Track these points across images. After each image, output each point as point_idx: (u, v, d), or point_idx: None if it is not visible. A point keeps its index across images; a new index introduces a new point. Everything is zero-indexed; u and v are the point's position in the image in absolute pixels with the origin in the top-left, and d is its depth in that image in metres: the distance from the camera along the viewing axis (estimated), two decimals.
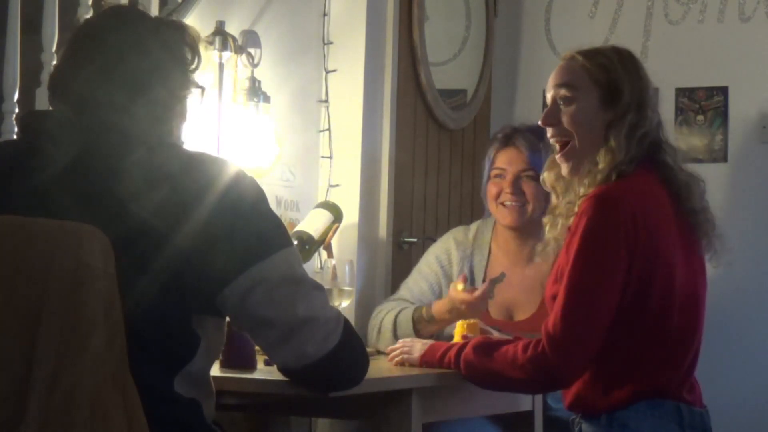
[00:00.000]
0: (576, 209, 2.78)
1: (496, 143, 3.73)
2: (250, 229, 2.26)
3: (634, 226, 2.70)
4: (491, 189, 3.70)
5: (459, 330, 3.21)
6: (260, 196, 2.33)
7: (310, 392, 2.48)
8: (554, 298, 2.75)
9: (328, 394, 2.47)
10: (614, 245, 2.69)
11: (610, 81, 2.83)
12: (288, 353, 2.34)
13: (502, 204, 3.67)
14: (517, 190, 3.64)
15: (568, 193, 2.86)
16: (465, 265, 3.74)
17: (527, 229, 3.67)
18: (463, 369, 2.85)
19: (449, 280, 3.72)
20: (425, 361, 2.96)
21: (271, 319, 2.29)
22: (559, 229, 2.84)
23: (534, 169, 3.59)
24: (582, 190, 2.80)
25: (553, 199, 2.91)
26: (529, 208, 3.63)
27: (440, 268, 3.77)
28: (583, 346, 2.71)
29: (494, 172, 3.70)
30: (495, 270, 3.70)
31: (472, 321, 3.24)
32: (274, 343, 2.34)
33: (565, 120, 2.85)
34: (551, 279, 2.82)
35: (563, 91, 2.86)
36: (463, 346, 2.88)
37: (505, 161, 3.68)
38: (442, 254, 3.79)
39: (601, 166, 2.78)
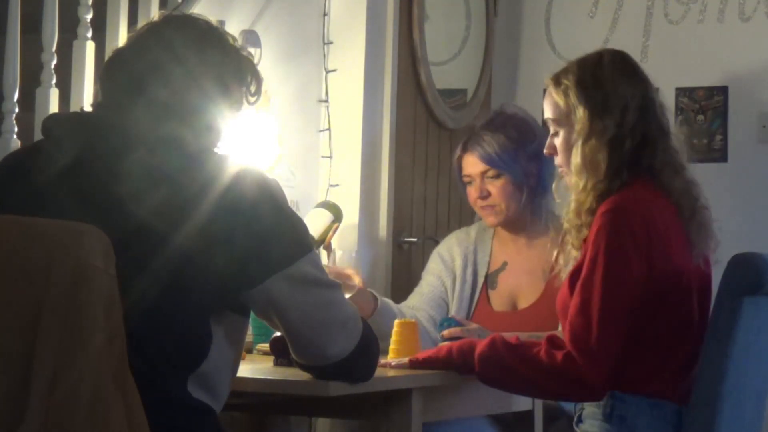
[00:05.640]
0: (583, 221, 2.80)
1: (458, 151, 3.76)
2: (276, 232, 2.26)
3: (647, 234, 2.73)
4: (469, 195, 3.75)
5: (396, 330, 3.09)
6: (281, 196, 2.32)
7: (312, 392, 2.48)
8: (567, 309, 2.76)
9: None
10: (631, 255, 2.71)
11: (569, 110, 2.85)
12: (313, 354, 2.37)
13: (480, 208, 3.72)
14: (484, 193, 3.69)
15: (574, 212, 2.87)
16: (469, 261, 3.77)
17: (514, 223, 3.72)
18: (479, 366, 2.80)
19: (452, 274, 3.76)
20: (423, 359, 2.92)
21: (297, 321, 2.31)
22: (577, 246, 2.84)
23: (493, 167, 3.65)
24: (588, 205, 2.81)
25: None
26: (503, 206, 3.68)
27: (443, 264, 3.79)
28: (608, 354, 2.71)
29: (464, 179, 3.74)
30: (498, 262, 3.76)
31: (409, 321, 3.20)
32: (298, 343, 2.36)
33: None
34: (564, 291, 2.82)
35: (551, 127, 2.91)
36: (471, 345, 2.85)
37: (467, 167, 3.73)
38: (445, 252, 3.83)
39: (589, 183, 2.81)
